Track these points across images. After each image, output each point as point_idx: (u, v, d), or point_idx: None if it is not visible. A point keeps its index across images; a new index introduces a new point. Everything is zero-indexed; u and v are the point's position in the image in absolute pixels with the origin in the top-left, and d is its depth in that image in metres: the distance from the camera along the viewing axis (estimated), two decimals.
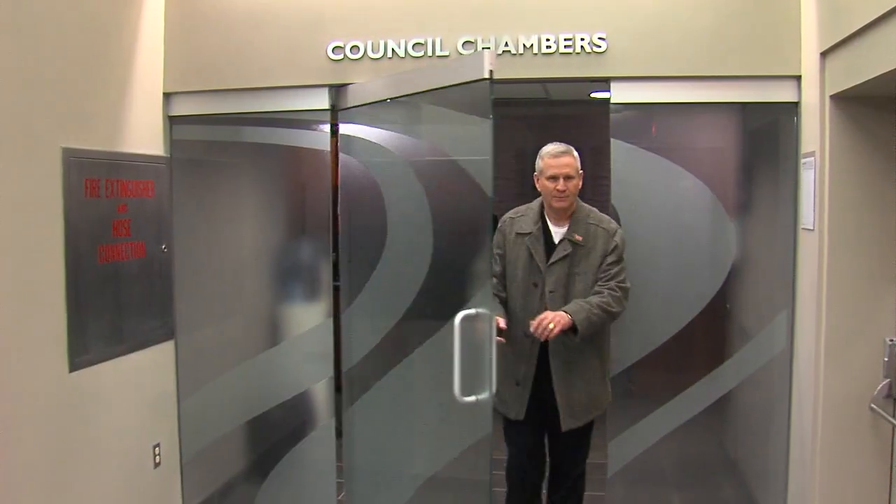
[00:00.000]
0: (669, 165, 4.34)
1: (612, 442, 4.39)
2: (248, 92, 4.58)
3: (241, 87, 4.57)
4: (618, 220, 4.24)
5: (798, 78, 4.10)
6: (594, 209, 4.19)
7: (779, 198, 4.25)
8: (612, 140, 4.30)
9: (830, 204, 3.68)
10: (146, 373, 4.48)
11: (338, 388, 4.68)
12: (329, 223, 4.59)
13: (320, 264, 4.68)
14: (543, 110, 8.06)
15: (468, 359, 3.55)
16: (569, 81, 4.43)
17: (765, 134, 4.37)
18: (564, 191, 4.04)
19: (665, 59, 4.21)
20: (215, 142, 4.83)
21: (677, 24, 4.19)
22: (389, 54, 4.37)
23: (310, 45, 4.48)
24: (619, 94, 4.28)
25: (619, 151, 4.31)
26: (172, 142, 4.69)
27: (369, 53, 4.40)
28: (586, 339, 3.95)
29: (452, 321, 3.56)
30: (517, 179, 9.72)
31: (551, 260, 4.06)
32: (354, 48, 4.40)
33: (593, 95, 5.25)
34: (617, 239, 4.09)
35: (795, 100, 4.14)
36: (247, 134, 4.75)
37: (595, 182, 10.06)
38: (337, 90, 4.50)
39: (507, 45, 4.28)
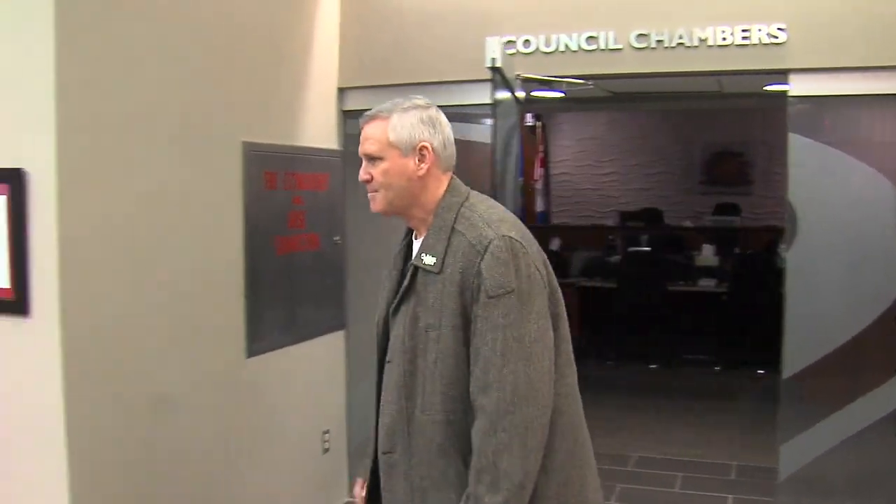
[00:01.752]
0: (851, 161, 4.19)
1: (784, 446, 4.26)
2: (419, 87, 4.60)
3: (413, 82, 4.62)
4: (794, 217, 4.10)
5: None
6: (483, 204, 2.18)
7: None
8: (789, 134, 4.18)
9: None
10: (318, 361, 4.61)
11: None
12: None
13: None
14: (716, 104, 7.87)
15: None
16: (745, 74, 4.32)
17: None
18: (369, 180, 2.17)
19: (848, 49, 4.04)
20: None
21: (861, 11, 4.02)
22: (562, 48, 4.36)
23: (480, 40, 4.50)
24: (800, 86, 4.15)
25: (797, 146, 4.19)
26: (346, 136, 4.80)
27: (541, 48, 4.39)
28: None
29: None
30: (681, 174, 9.60)
31: (395, 302, 2.22)
32: (526, 42, 4.41)
33: (768, 88, 5.09)
34: (484, 267, 1.98)
35: None
36: None
37: (766, 177, 9.89)
38: None
39: (681, 37, 4.21)
